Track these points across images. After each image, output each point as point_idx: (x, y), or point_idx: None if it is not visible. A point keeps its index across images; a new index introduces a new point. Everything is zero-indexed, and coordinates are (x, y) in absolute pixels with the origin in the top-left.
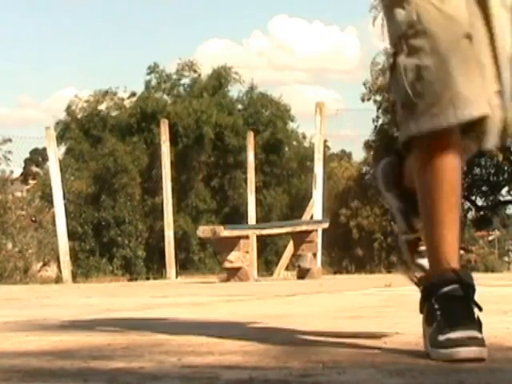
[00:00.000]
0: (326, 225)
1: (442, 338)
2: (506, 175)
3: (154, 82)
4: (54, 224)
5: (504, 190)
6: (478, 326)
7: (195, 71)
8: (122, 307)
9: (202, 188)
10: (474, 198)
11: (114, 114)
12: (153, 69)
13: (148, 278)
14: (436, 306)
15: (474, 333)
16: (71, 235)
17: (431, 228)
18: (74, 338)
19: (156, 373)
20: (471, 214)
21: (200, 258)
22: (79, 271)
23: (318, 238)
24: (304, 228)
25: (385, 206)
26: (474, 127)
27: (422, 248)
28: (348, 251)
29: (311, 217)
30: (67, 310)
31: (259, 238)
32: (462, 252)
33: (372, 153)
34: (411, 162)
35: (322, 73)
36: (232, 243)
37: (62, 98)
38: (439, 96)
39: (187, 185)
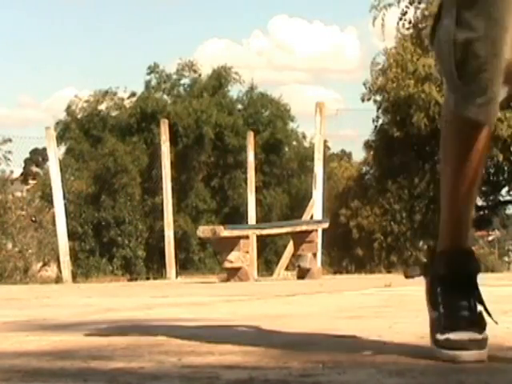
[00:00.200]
0: (326, 225)
1: (441, 337)
2: (506, 175)
3: (153, 82)
4: (54, 224)
5: (504, 190)
6: (478, 324)
7: (195, 71)
8: (122, 307)
9: (201, 188)
10: None
11: (114, 114)
12: (153, 69)
13: (148, 278)
14: (438, 290)
15: (474, 335)
16: (71, 235)
17: (450, 200)
18: (73, 338)
19: (156, 373)
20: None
21: (200, 258)
22: (79, 271)
23: (318, 238)
24: (304, 228)
25: (385, 206)
26: None
27: None
28: (348, 251)
29: (311, 217)
30: (67, 310)
31: (259, 238)
32: None
33: (372, 153)
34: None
35: (321, 73)
36: (232, 243)
37: (62, 97)
38: (487, 87)
39: (187, 185)
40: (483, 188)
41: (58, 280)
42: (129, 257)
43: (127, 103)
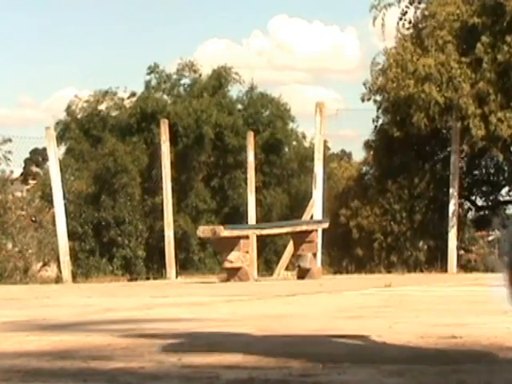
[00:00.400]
0: (325, 225)
1: None
2: (506, 175)
3: (153, 82)
4: (54, 224)
5: (504, 190)
6: None
7: (195, 71)
8: (122, 307)
9: (201, 188)
10: (473, 198)
11: (114, 114)
12: (153, 69)
13: (148, 278)
14: None
15: None
16: (71, 235)
17: None
18: (73, 338)
19: (156, 373)
20: (471, 214)
21: (200, 258)
22: (79, 271)
23: (318, 238)
24: (304, 228)
25: (385, 206)
26: None
27: None
28: (348, 251)
29: (311, 217)
30: (67, 310)
31: (259, 238)
32: (462, 252)
33: (372, 153)
34: None
35: (321, 73)
36: (232, 243)
37: (62, 97)
38: None
39: (187, 185)
40: (483, 188)
41: (58, 280)
42: (129, 257)
43: (127, 103)
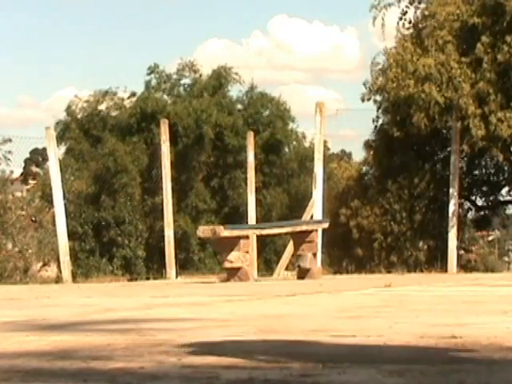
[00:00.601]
0: (325, 225)
1: None
2: (506, 175)
3: (154, 82)
4: (54, 224)
5: (504, 190)
6: None
7: (195, 71)
8: (122, 307)
9: (201, 188)
10: (473, 198)
11: (114, 113)
12: (153, 69)
13: (148, 278)
14: None
15: None
16: (71, 235)
17: None
18: (73, 338)
19: (156, 373)
20: (471, 214)
21: (200, 258)
22: (79, 271)
23: (318, 238)
24: (304, 228)
25: (385, 206)
26: None
27: None
28: (348, 251)
29: (311, 217)
30: (67, 310)
31: (259, 238)
32: (462, 252)
33: (372, 153)
34: None
35: (321, 73)
36: (232, 243)
37: (62, 98)
38: None
39: (187, 185)
40: (483, 188)
41: (58, 280)
42: (129, 257)
43: (127, 103)
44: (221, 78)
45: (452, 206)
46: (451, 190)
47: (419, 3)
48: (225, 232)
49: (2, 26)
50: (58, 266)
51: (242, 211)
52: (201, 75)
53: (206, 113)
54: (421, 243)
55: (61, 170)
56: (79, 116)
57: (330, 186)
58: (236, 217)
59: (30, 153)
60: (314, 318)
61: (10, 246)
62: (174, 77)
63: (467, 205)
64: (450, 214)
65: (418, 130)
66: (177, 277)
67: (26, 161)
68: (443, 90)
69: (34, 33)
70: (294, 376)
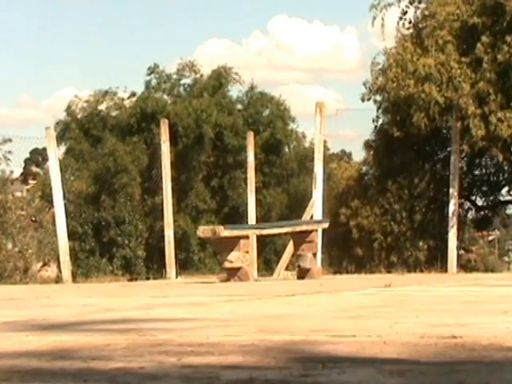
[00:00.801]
0: (325, 225)
1: None
2: (506, 175)
3: (154, 82)
4: (54, 224)
5: (504, 190)
6: None
7: (195, 71)
8: (122, 307)
9: (201, 188)
10: (474, 198)
11: (114, 113)
12: (153, 69)
13: (148, 278)
14: None
15: None
16: (71, 235)
17: None
18: (73, 338)
19: (156, 373)
20: (471, 214)
21: (200, 258)
22: (79, 271)
23: (318, 238)
24: (304, 228)
25: (385, 206)
26: None
27: None
28: (348, 251)
29: (311, 217)
30: (67, 310)
31: (259, 238)
32: (462, 252)
33: (372, 153)
34: None
35: (321, 73)
36: (232, 243)
37: (62, 98)
38: None
39: (187, 185)
40: (483, 188)
41: (58, 280)
42: (129, 257)
43: (127, 103)
44: (221, 78)
45: (452, 206)
46: (451, 190)
47: (419, 3)
48: (225, 232)
49: (2, 26)
50: (58, 266)
51: (242, 211)
52: (201, 75)
53: (205, 113)
54: (421, 243)
55: (61, 170)
56: (79, 116)
57: (329, 186)
58: (236, 217)
59: (30, 153)
60: (314, 317)
61: (10, 245)
62: (174, 77)
63: (467, 205)
64: (450, 214)
65: (418, 130)
66: (177, 277)
67: (26, 161)
68: (443, 89)
69: (34, 33)
70: (293, 376)
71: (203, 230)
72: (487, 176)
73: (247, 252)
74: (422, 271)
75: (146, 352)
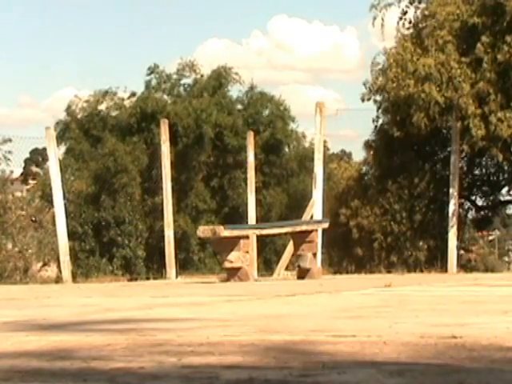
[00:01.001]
0: (325, 225)
1: None
2: (506, 175)
3: (154, 82)
4: (54, 224)
5: (504, 190)
6: None
7: (195, 71)
8: (122, 307)
9: (201, 188)
10: (474, 198)
11: (114, 113)
12: (153, 69)
13: (148, 278)
14: None
15: None
16: (71, 235)
17: None
18: (73, 338)
19: (156, 373)
20: (471, 214)
21: (200, 258)
22: (79, 271)
23: (318, 238)
24: (304, 228)
25: (385, 206)
26: None
27: None
28: (348, 251)
29: (311, 217)
30: (67, 310)
31: (259, 238)
32: (462, 252)
33: (372, 153)
34: None
35: (321, 73)
36: (232, 243)
37: (62, 98)
38: None
39: (187, 185)
40: (483, 188)
41: (58, 280)
42: (129, 257)
43: (127, 103)
44: (221, 78)
45: (452, 206)
46: (451, 190)
47: (419, 3)
48: (225, 232)
49: (2, 26)
50: (58, 266)
51: (242, 211)
52: (201, 75)
53: (205, 113)
54: (421, 243)
55: (61, 170)
56: (79, 116)
57: (329, 186)
58: (236, 217)
59: (30, 153)
60: (314, 317)
61: (10, 246)
62: (174, 77)
63: (467, 205)
64: (450, 214)
65: (418, 130)
66: (177, 277)
67: (25, 161)
68: (443, 89)
69: (34, 33)
70: (293, 376)
71: (203, 230)
72: (487, 176)
73: (247, 252)
74: (422, 271)
75: (146, 352)
